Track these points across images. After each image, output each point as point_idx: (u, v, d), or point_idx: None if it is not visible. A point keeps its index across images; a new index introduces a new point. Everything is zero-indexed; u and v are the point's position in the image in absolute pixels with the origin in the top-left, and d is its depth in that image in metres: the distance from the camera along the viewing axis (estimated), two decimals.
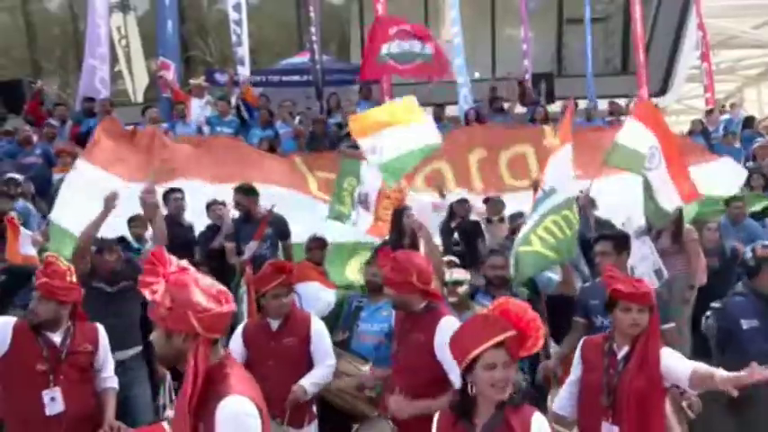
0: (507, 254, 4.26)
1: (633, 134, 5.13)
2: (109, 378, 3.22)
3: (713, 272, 5.38)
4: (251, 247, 5.01)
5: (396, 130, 5.42)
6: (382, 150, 5.29)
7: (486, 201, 6.59)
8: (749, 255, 3.75)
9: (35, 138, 7.71)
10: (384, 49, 7.52)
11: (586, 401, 2.72)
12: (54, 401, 2.98)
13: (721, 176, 7.23)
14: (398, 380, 2.86)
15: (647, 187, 4.95)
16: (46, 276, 3.03)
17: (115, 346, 3.53)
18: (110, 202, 3.96)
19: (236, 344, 3.32)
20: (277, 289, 3.27)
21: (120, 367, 3.49)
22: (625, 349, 2.66)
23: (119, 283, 4.10)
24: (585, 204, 5.52)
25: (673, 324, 3.48)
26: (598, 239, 3.85)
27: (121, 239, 5.02)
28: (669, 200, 4.98)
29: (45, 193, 6.76)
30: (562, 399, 2.82)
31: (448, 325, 2.69)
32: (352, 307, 4.33)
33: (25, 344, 2.97)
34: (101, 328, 3.22)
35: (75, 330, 3.11)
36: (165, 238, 3.99)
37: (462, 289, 3.78)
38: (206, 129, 8.27)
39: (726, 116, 10.12)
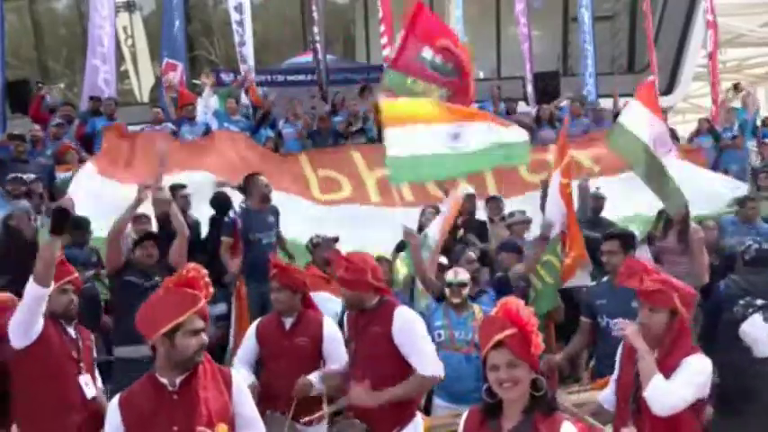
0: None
1: (635, 116, 5.17)
2: (97, 380, 3.31)
3: (711, 270, 5.39)
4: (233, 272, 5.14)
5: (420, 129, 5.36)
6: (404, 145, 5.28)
7: (488, 200, 6.54)
8: (753, 251, 4.11)
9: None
10: (426, 52, 7.28)
11: (618, 402, 2.67)
12: (88, 386, 3.11)
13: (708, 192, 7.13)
14: (359, 375, 2.93)
15: (662, 171, 4.96)
16: (72, 271, 3.21)
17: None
18: (141, 194, 4.14)
19: (250, 340, 3.37)
20: (271, 282, 3.34)
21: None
22: (656, 353, 2.53)
23: (153, 278, 4.18)
24: (585, 189, 5.57)
25: None
26: (605, 238, 3.83)
27: None
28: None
29: (50, 192, 6.80)
30: (607, 393, 2.79)
31: (402, 313, 2.92)
32: None
33: (54, 333, 3.06)
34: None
35: (78, 326, 3.26)
36: (185, 233, 4.20)
37: (465, 290, 3.82)
38: (214, 124, 8.28)
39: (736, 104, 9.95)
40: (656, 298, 2.50)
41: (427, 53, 6.73)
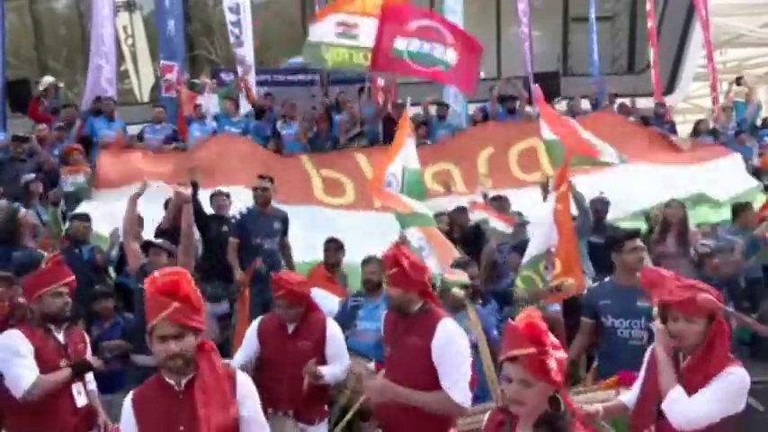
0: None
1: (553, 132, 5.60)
2: (91, 381, 3.30)
3: None
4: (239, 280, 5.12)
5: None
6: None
7: (493, 199, 6.52)
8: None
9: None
10: (400, 44, 6.56)
11: (639, 406, 2.56)
12: (80, 395, 3.09)
13: (726, 176, 7.21)
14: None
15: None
16: (69, 274, 3.18)
17: None
18: (135, 196, 4.30)
19: (251, 339, 3.36)
20: (277, 300, 3.31)
21: None
22: (688, 360, 2.39)
23: None
24: (581, 196, 5.54)
25: None
26: (629, 236, 3.75)
27: None
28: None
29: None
30: (634, 394, 2.66)
31: (445, 328, 2.64)
32: (347, 307, 4.42)
33: (40, 346, 3.01)
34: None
35: (70, 329, 3.23)
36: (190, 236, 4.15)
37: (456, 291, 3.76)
38: (214, 124, 8.25)
39: (738, 100, 9.95)
40: (693, 307, 2.29)
41: (400, 44, 6.59)
